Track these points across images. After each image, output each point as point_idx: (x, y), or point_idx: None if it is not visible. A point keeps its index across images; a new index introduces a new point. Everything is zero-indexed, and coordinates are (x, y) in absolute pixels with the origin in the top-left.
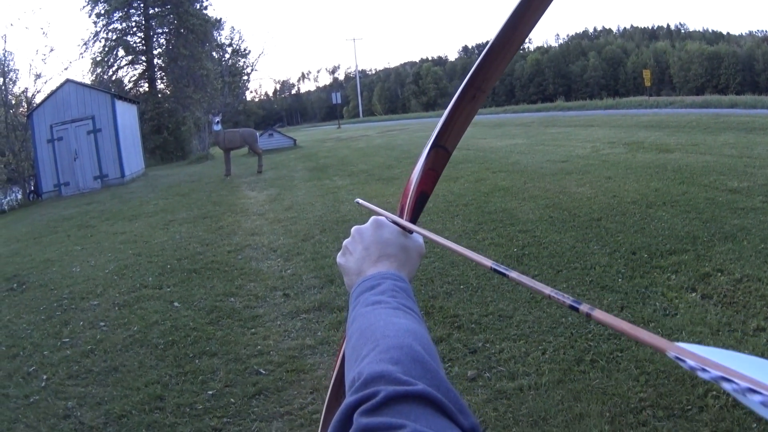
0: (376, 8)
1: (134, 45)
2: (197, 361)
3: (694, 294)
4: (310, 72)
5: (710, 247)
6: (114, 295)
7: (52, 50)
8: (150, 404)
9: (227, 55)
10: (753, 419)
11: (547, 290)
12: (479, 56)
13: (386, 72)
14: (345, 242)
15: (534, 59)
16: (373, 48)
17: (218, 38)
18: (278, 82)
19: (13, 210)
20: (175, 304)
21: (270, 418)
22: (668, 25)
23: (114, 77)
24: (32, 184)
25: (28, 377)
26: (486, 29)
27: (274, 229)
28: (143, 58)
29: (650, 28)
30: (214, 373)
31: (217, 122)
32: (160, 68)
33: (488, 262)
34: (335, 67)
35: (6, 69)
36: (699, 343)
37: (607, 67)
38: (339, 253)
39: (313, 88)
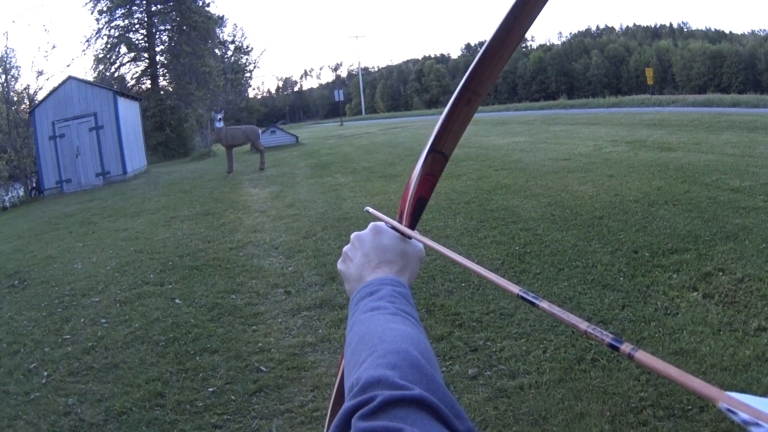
0: (379, 5)
1: (137, 42)
2: (198, 358)
3: (695, 293)
4: (312, 69)
5: (712, 246)
6: (115, 291)
7: (54, 47)
8: (150, 401)
9: (230, 52)
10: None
11: (583, 325)
12: (474, 60)
13: (389, 69)
14: (344, 249)
15: (537, 57)
16: (375, 45)
17: (221, 35)
18: (281, 79)
19: (15, 207)
20: (177, 301)
21: (270, 416)
22: (671, 24)
23: (116, 74)
24: (34, 180)
25: (29, 374)
26: (489, 27)
27: (276, 227)
28: (145, 55)
29: (653, 26)
30: (214, 370)
31: (219, 119)
32: (163, 65)
33: (515, 289)
34: (338, 64)
35: (8, 66)
36: (700, 342)
37: (610, 66)
38: (339, 260)
39: (315, 86)
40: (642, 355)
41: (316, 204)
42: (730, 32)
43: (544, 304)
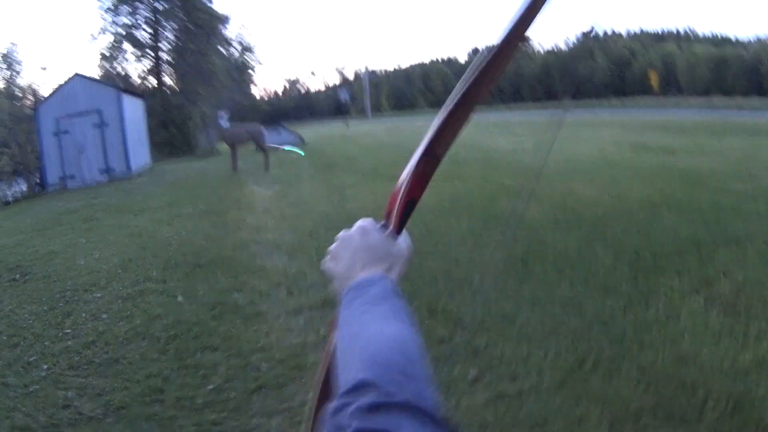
0: (386, 7)
1: (142, 40)
2: (199, 355)
3: (697, 297)
4: (318, 70)
5: (714, 250)
6: (117, 288)
7: (59, 44)
8: (150, 396)
9: (234, 51)
10: (753, 425)
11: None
12: (476, 68)
13: (395, 73)
14: (331, 248)
15: (542, 60)
16: (382, 48)
17: (225, 34)
18: (287, 80)
19: (18, 202)
20: (179, 298)
21: (270, 414)
22: (676, 29)
23: (121, 72)
24: (37, 176)
25: (29, 367)
26: (496, 31)
27: (280, 226)
28: (151, 53)
29: (658, 32)
30: (215, 368)
31: (224, 117)
32: (168, 63)
33: None
34: (344, 65)
35: (12, 61)
36: (701, 347)
37: (615, 69)
38: (326, 259)
39: (321, 87)
40: None
41: (319, 204)
42: (735, 37)
43: None
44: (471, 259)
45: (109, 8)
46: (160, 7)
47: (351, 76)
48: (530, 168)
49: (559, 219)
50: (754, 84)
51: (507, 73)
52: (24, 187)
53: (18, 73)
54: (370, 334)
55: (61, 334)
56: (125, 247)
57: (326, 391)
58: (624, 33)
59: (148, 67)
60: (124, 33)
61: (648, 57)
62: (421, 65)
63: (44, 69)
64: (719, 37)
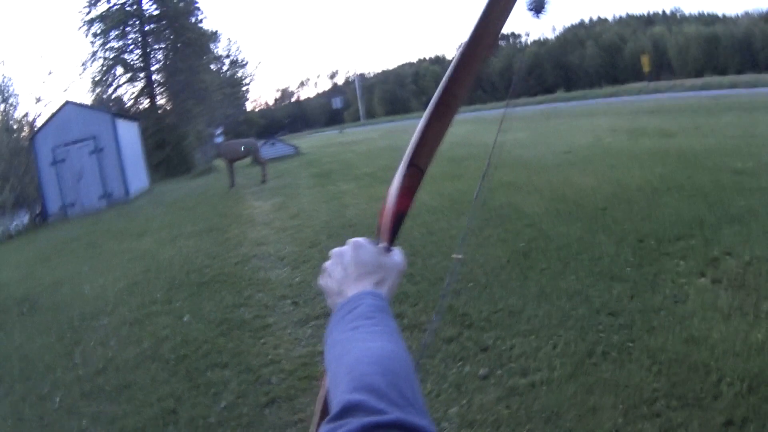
0: (372, 10)
1: (132, 62)
2: (209, 373)
3: (703, 279)
4: (309, 78)
5: (717, 230)
6: (124, 312)
7: (50, 73)
8: (163, 419)
9: (225, 67)
10: None
11: None
12: (444, 77)
13: (385, 74)
14: (325, 264)
15: (532, 52)
16: (371, 50)
17: (215, 50)
18: (279, 90)
19: (21, 234)
20: (185, 318)
21: (283, 427)
22: (663, 11)
23: (114, 95)
24: (38, 207)
25: (42, 399)
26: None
27: (281, 238)
28: (141, 74)
29: (646, 15)
30: (226, 385)
31: (219, 134)
32: (159, 84)
33: None
34: (334, 72)
35: (6, 94)
36: (711, 328)
37: (606, 56)
38: (320, 276)
39: (313, 95)
40: None
41: (319, 213)
42: (723, 14)
43: None
44: (473, 257)
45: (97, 33)
46: (149, 28)
47: (342, 82)
48: (526, 160)
49: (560, 210)
50: (747, 60)
51: (498, 69)
52: (26, 219)
53: (14, 106)
54: (357, 353)
55: (71, 363)
56: (129, 271)
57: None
58: (611, 18)
59: (140, 88)
60: (114, 56)
61: (638, 42)
62: (410, 64)
63: (38, 99)
64: (707, 15)
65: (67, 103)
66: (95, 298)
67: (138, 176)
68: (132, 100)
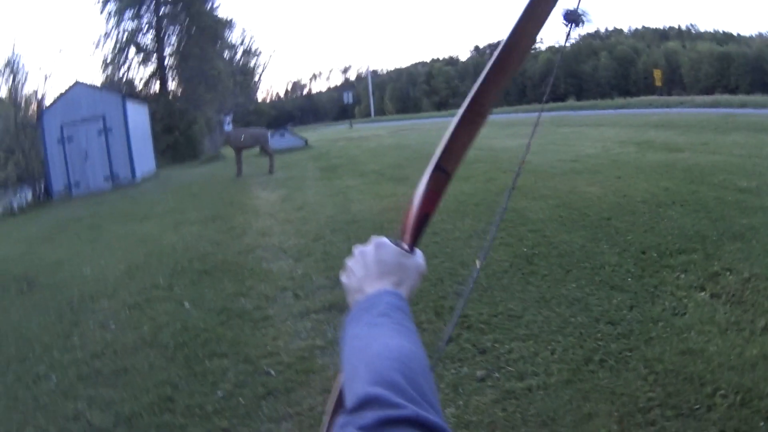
0: (388, 8)
1: (145, 45)
2: (207, 362)
3: (703, 293)
4: (321, 72)
5: (719, 246)
6: (124, 296)
7: (62, 51)
8: (160, 405)
9: (238, 55)
10: (760, 418)
11: None
12: (477, 82)
13: (398, 72)
14: (348, 262)
15: (545, 59)
16: (384, 48)
17: (229, 38)
18: (290, 82)
19: (23, 211)
20: (186, 305)
21: (279, 419)
22: (679, 26)
23: (125, 77)
24: (42, 184)
25: (38, 379)
26: (498, 29)
27: (285, 230)
28: (154, 57)
29: (661, 28)
30: (224, 374)
31: (228, 122)
32: (171, 68)
33: None
34: (347, 67)
35: (16, 69)
36: (707, 342)
37: (618, 67)
38: (343, 274)
39: (324, 88)
40: None
41: (324, 207)
42: (738, 34)
43: None
44: (476, 260)
45: (111, 13)
46: (164, 12)
47: (354, 77)
48: (535, 166)
49: (565, 217)
50: (758, 80)
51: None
52: (29, 195)
53: (22, 81)
54: (377, 349)
55: (69, 344)
56: (131, 255)
57: (339, 407)
58: (626, 30)
59: (152, 71)
60: (127, 38)
61: (652, 55)
62: (423, 64)
63: (48, 76)
64: (721, 33)
65: (77, 82)
66: (96, 279)
67: (145, 159)
68: (143, 83)
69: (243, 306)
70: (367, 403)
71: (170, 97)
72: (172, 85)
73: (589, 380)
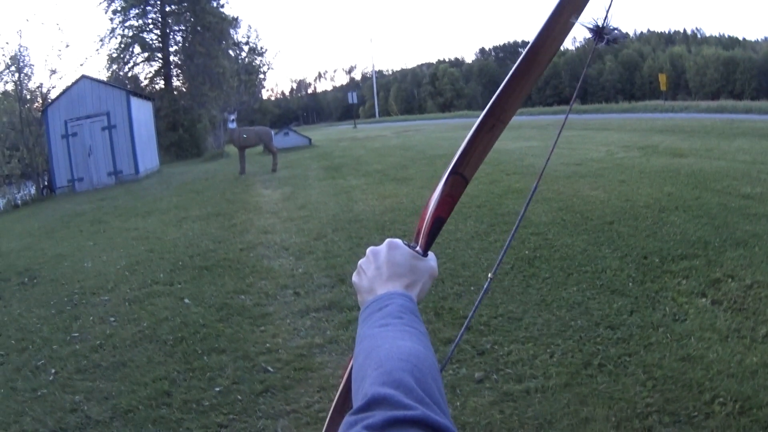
0: (393, 8)
1: (150, 42)
2: (206, 357)
3: (704, 299)
4: (326, 72)
5: (721, 252)
6: (125, 290)
7: (67, 46)
8: (157, 399)
9: (243, 54)
10: (759, 427)
11: None
12: (499, 87)
13: (403, 73)
14: (360, 262)
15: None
16: (389, 49)
17: (235, 36)
18: (295, 81)
19: (27, 205)
20: (186, 300)
21: (276, 416)
22: (684, 30)
23: (130, 74)
24: (46, 179)
25: (37, 371)
26: (503, 31)
27: (287, 228)
28: (159, 55)
29: (667, 32)
30: (222, 370)
31: (233, 120)
32: (176, 65)
33: None
34: (352, 67)
35: (21, 64)
36: (707, 348)
37: (624, 71)
38: (354, 273)
39: (329, 88)
40: None
41: (327, 206)
42: (744, 39)
43: None
44: (477, 261)
45: (117, 11)
46: (169, 10)
47: (359, 77)
48: (537, 168)
49: (567, 221)
50: (764, 85)
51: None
52: (32, 189)
53: (28, 76)
54: (387, 349)
55: (68, 337)
56: (133, 250)
57: (343, 405)
58: (632, 33)
59: (157, 69)
60: (132, 35)
61: (657, 59)
62: (429, 65)
63: (53, 71)
64: (727, 37)
65: (82, 77)
66: (97, 274)
67: (149, 156)
68: (147, 80)
69: (243, 303)
70: (375, 402)
71: (175, 94)
72: (176, 82)
73: (588, 384)
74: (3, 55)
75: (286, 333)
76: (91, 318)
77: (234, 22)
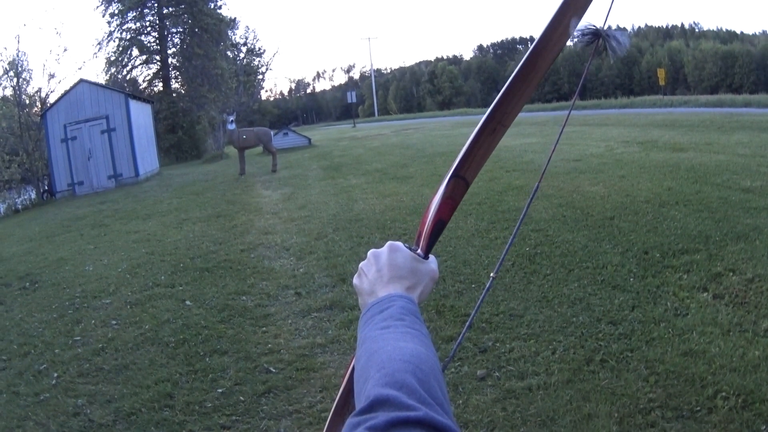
0: (391, 7)
1: (148, 44)
2: (208, 359)
3: (705, 294)
4: (325, 71)
5: (722, 246)
6: (126, 293)
7: (65, 50)
8: (160, 402)
9: (242, 54)
10: (762, 421)
11: None
12: (500, 91)
13: (401, 71)
14: (361, 264)
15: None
16: (388, 47)
17: (233, 37)
18: (293, 81)
19: (27, 209)
20: (187, 302)
21: (279, 417)
22: (682, 24)
23: (128, 77)
24: (46, 183)
25: (39, 375)
26: (501, 28)
27: (288, 228)
28: (157, 57)
29: (665, 27)
30: (224, 372)
31: (231, 121)
32: (175, 67)
33: None
34: (350, 66)
35: (20, 69)
36: (709, 343)
37: (622, 67)
38: (355, 276)
39: (328, 87)
40: None
41: (327, 206)
42: (742, 32)
43: None
44: (478, 259)
45: (114, 14)
46: (167, 12)
47: (357, 76)
48: (537, 165)
49: (567, 217)
50: (762, 79)
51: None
52: (33, 194)
53: (26, 81)
54: (389, 351)
55: (71, 341)
56: (133, 253)
57: (343, 408)
58: (630, 29)
59: (155, 71)
60: (130, 38)
61: (655, 54)
62: (427, 63)
63: (52, 76)
64: (725, 31)
65: (81, 81)
66: (98, 277)
67: (148, 158)
68: (146, 83)
69: (244, 304)
70: (378, 404)
71: (174, 96)
72: (175, 84)
73: (590, 380)
74: (1, 60)
75: (288, 333)
76: (93, 321)
77: (232, 24)
